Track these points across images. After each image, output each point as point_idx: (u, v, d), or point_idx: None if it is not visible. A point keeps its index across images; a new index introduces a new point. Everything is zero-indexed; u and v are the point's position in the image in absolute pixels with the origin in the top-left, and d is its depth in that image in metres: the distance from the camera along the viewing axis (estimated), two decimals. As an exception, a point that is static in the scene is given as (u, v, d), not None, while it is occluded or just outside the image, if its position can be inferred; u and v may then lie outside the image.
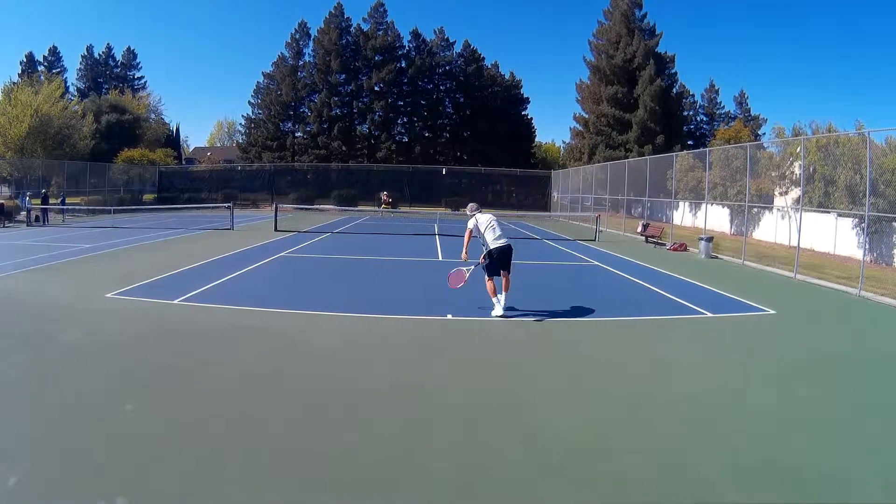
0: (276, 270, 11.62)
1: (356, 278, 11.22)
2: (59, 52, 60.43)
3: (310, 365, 5.65)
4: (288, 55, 53.41)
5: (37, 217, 24.12)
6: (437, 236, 19.39)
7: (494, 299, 7.66)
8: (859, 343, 7.33)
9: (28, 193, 24.68)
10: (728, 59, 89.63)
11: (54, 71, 56.49)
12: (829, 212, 18.42)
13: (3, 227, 21.83)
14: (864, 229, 14.67)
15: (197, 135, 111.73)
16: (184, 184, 44.31)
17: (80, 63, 60.46)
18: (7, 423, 4.08)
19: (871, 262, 16.16)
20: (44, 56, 59.56)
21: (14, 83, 38.94)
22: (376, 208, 32.85)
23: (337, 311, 7.81)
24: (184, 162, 60.74)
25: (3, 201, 23.75)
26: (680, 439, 4.12)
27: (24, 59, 57.21)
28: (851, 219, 17.72)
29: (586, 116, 46.18)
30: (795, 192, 21.32)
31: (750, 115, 49.08)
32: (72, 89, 56.01)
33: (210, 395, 4.74)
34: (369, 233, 21.26)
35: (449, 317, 7.64)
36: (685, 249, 17.53)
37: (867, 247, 14.23)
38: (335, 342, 6.49)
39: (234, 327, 6.92)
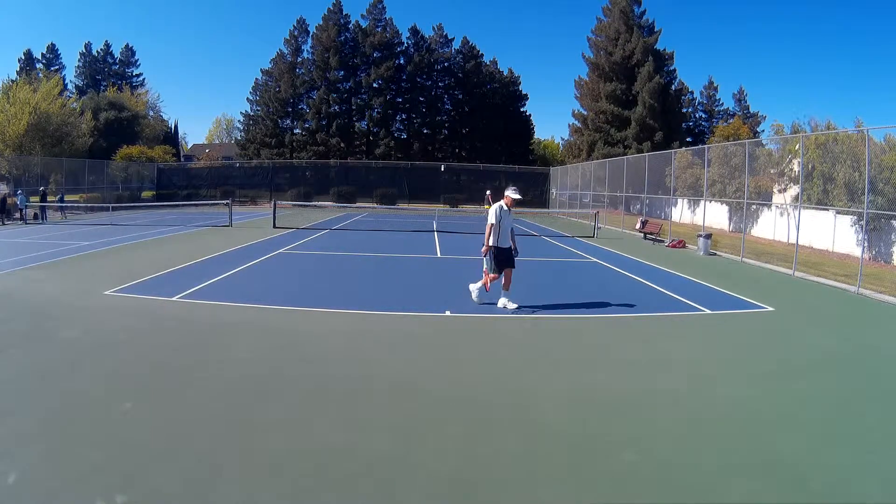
0: (275, 267, 11.61)
1: (355, 275, 11.21)
2: (57, 49, 60.28)
3: (308, 362, 5.64)
4: (286, 52, 53.32)
5: (35, 214, 24.08)
6: (435, 233, 19.39)
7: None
8: (858, 341, 7.33)
9: (19, 192, 24.59)
10: (727, 56, 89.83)
11: (53, 68, 56.41)
12: (827, 209, 18.44)
13: (2, 224, 21.79)
14: (862, 227, 14.68)
15: (195, 132, 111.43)
16: (182, 181, 44.28)
17: (79, 60, 60.31)
18: (6, 421, 4.07)
19: (870, 259, 16.18)
20: (42, 53, 59.45)
21: (12, 81, 38.79)
22: (484, 208, 31.07)
23: (336, 308, 7.81)
24: (182, 159, 60.70)
25: (4, 195, 23.76)
26: (678, 437, 4.12)
27: (23, 57, 57.05)
28: (850, 216, 17.73)
29: (585, 113, 46.14)
30: (794, 190, 21.32)
31: (749, 112, 49.11)
32: (70, 87, 55.83)
33: (209, 393, 4.74)
34: (368, 229, 21.24)
35: (447, 314, 7.65)
36: (684, 246, 17.53)
37: (866, 244, 14.24)
38: (334, 339, 6.48)
39: (232, 324, 6.92)
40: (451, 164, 46.74)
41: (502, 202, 7.94)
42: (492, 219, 7.86)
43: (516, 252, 8.16)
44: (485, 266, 8.19)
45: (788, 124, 28.51)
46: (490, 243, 7.86)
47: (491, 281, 8.10)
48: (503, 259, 7.90)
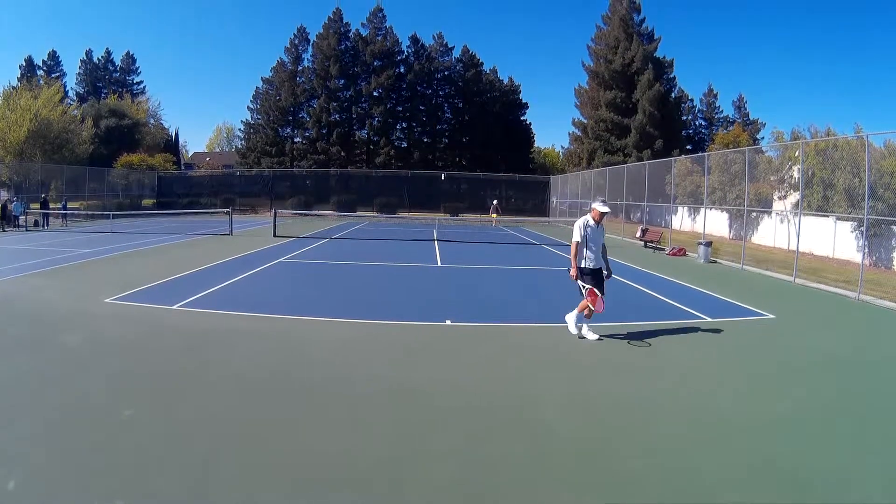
0: (275, 276, 11.61)
1: (355, 284, 11.20)
2: (58, 56, 60.75)
3: (308, 369, 5.62)
4: (287, 60, 53.57)
5: (35, 221, 24.11)
6: (435, 242, 19.39)
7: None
8: (859, 347, 7.31)
9: (14, 199, 24.60)
10: (727, 63, 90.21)
11: (53, 75, 56.77)
12: (827, 215, 18.45)
13: (3, 231, 21.81)
14: (863, 233, 14.69)
15: (196, 140, 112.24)
16: (183, 189, 44.40)
17: (80, 67, 60.72)
18: (7, 426, 4.06)
19: (871, 265, 16.18)
20: (43, 60, 59.82)
21: (13, 87, 38.98)
22: (490, 217, 30.70)
23: (336, 317, 7.79)
24: (183, 167, 60.90)
25: (5, 201, 23.79)
26: (680, 441, 4.11)
27: (24, 64, 57.45)
28: (850, 222, 17.74)
29: (585, 121, 46.32)
30: (794, 196, 21.35)
31: (748, 120, 49.34)
32: (71, 94, 56.24)
33: (209, 400, 4.72)
34: (368, 238, 21.25)
35: (448, 322, 7.63)
36: (684, 254, 17.52)
37: (866, 250, 14.24)
38: (334, 347, 6.47)
39: (233, 333, 6.90)
40: (452, 172, 46.83)
41: (588, 216, 6.82)
42: (576, 236, 6.74)
43: (608, 274, 6.95)
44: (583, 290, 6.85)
45: (788, 131, 28.65)
46: (578, 264, 6.78)
47: (591, 303, 6.69)
48: (595, 281, 6.78)
